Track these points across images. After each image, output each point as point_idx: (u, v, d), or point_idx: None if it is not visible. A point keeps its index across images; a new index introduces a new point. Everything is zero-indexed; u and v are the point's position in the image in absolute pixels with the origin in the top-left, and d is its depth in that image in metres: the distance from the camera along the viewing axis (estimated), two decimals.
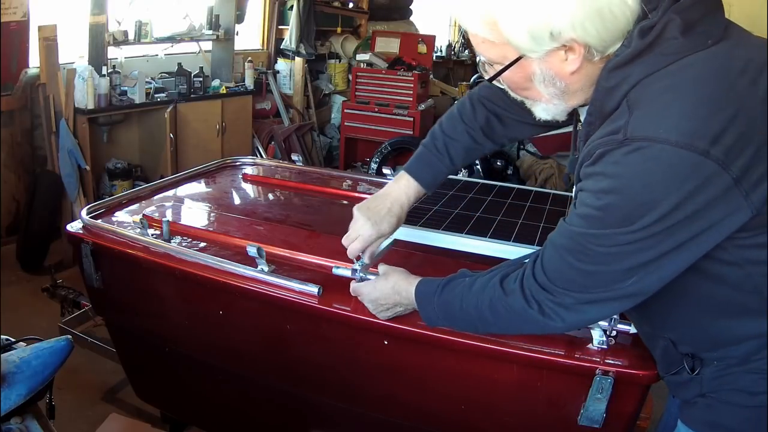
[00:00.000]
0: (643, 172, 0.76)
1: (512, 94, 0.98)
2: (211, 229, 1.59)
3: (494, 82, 0.94)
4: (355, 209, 1.21)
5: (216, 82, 4.15)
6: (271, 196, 1.95)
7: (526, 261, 0.96)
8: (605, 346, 1.12)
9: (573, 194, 0.93)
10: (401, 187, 1.24)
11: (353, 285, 1.21)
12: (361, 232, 1.19)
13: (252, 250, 1.30)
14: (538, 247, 0.97)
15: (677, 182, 0.75)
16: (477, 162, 4.00)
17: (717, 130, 0.74)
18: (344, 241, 1.20)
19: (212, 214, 1.71)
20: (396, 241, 1.40)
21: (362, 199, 1.82)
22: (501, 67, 0.89)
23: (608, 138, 0.80)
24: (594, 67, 0.85)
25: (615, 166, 0.79)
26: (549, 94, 0.90)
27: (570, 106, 0.92)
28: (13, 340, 1.15)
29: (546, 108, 0.93)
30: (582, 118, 0.98)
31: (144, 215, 1.56)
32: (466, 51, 6.86)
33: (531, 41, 0.82)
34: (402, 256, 1.42)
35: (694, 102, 0.76)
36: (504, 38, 0.84)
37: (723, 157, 0.74)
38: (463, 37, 6.34)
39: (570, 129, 1.10)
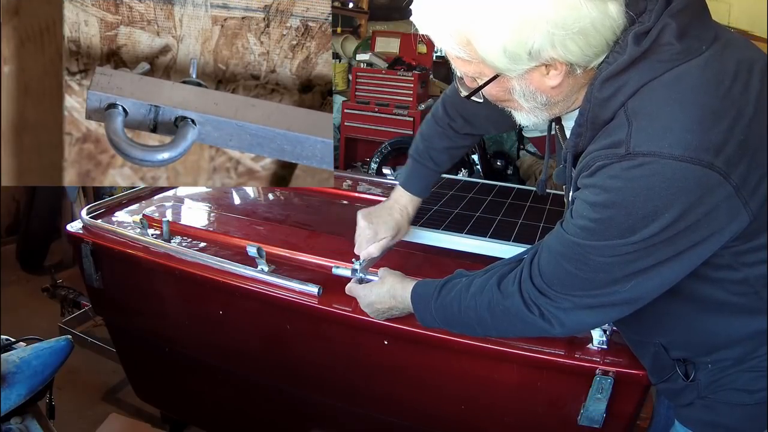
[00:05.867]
0: (645, 187, 0.75)
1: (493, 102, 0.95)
2: (211, 229, 1.59)
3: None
4: (358, 214, 1.28)
5: None
6: (271, 196, 1.95)
7: (523, 258, 0.95)
8: (605, 346, 1.12)
9: (570, 200, 0.92)
10: (397, 197, 1.32)
11: (349, 285, 1.21)
12: (361, 233, 1.26)
13: (252, 250, 1.30)
14: None
15: (681, 194, 0.74)
16: (477, 162, 4.00)
17: (719, 141, 0.73)
18: (356, 249, 1.27)
19: (212, 214, 1.72)
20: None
21: (362, 199, 1.83)
22: (478, 83, 0.86)
23: (608, 151, 0.78)
24: (576, 79, 0.82)
25: (614, 180, 0.77)
26: (530, 107, 0.87)
27: (552, 115, 0.90)
28: (13, 340, 1.16)
29: (527, 117, 0.90)
30: (565, 124, 0.96)
31: (144, 215, 1.56)
32: None
33: (508, 61, 0.78)
34: (402, 256, 1.42)
35: (695, 114, 0.74)
36: (479, 57, 0.80)
37: (725, 167, 0.73)
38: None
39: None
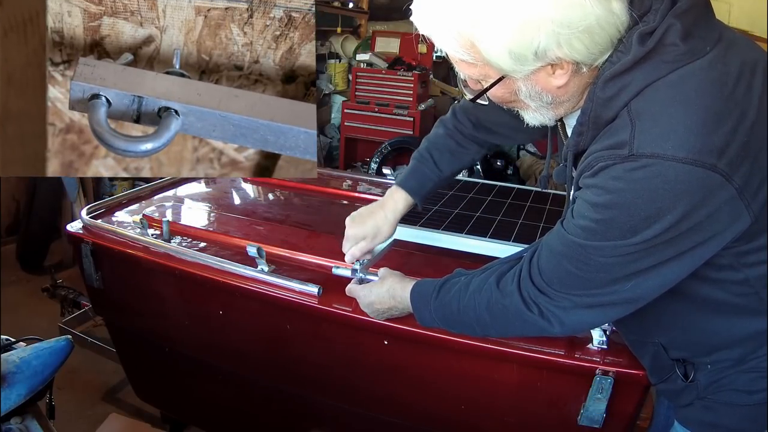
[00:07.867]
0: (648, 188, 0.75)
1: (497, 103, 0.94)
2: (211, 229, 1.59)
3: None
4: (347, 219, 1.25)
5: None
6: (271, 196, 1.95)
7: (522, 256, 0.95)
8: (605, 346, 1.12)
9: (570, 199, 0.92)
10: (387, 196, 1.27)
11: (349, 286, 1.21)
12: (348, 232, 1.23)
13: (252, 250, 1.30)
14: None
15: (684, 196, 0.74)
16: (477, 162, 4.00)
17: (722, 143, 0.73)
18: (343, 249, 1.25)
19: (212, 214, 1.72)
20: (396, 241, 1.40)
21: (362, 198, 1.83)
22: (483, 86, 0.86)
23: (611, 152, 0.78)
24: (582, 78, 0.82)
25: (616, 182, 0.77)
26: (536, 106, 0.87)
27: (558, 115, 0.90)
28: (13, 340, 1.16)
29: (534, 116, 0.90)
30: (566, 122, 0.96)
31: (144, 215, 1.56)
32: None
33: (513, 62, 0.78)
34: (402, 256, 1.42)
35: (699, 115, 0.74)
36: (484, 60, 0.80)
37: (728, 169, 0.73)
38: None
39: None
